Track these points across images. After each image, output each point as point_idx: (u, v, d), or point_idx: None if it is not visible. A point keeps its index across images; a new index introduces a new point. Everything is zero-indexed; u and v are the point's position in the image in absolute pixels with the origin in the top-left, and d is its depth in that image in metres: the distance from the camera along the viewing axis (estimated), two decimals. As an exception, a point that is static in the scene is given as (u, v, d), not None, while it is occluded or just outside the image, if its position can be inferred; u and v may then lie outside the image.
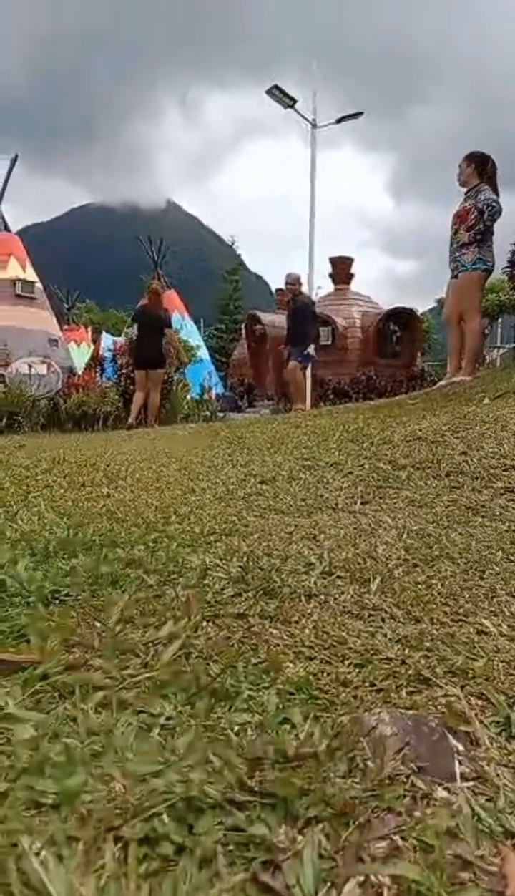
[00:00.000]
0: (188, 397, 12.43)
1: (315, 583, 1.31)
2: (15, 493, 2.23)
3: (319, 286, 23.16)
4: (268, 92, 14.04)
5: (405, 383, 17.54)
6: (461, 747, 0.74)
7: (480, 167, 5.89)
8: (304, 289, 10.05)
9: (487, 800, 0.65)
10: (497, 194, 5.86)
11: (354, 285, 21.58)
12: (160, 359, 8.58)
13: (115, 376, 11.67)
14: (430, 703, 0.84)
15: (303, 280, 9.80)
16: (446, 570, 1.42)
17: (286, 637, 1.05)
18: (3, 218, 14.29)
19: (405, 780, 0.68)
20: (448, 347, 6.69)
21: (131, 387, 9.49)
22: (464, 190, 6.00)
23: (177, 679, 0.88)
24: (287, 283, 9.27)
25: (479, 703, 0.86)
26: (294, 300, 9.28)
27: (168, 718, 0.78)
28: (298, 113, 14.63)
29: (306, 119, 14.76)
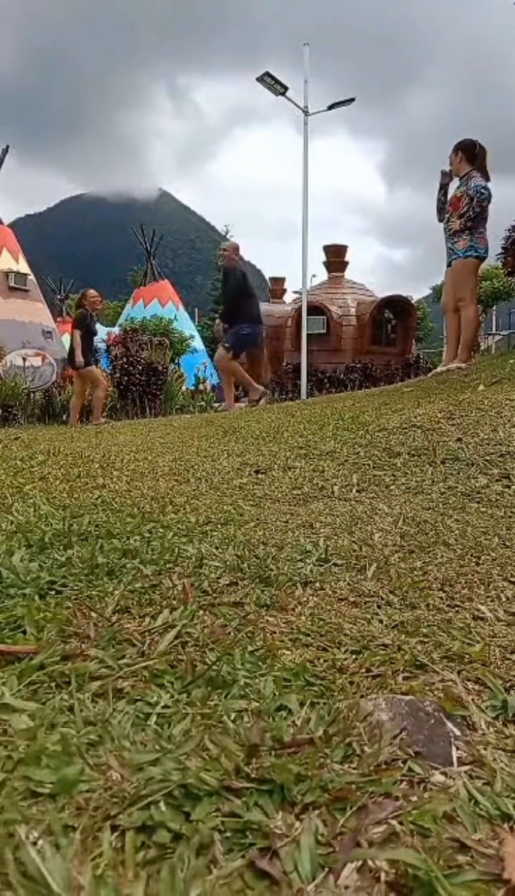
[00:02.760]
0: (183, 388, 12.41)
1: (311, 570, 1.31)
2: (10, 485, 2.23)
3: (314, 274, 23.10)
4: (260, 79, 13.93)
5: (400, 371, 17.54)
6: (457, 732, 0.75)
7: (469, 154, 5.90)
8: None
9: (484, 783, 0.66)
10: (488, 178, 5.88)
11: (348, 273, 21.52)
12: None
13: (110, 367, 11.65)
14: (427, 688, 0.84)
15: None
16: (442, 556, 1.42)
17: (282, 624, 1.05)
18: (-6, 209, 14.26)
19: (402, 765, 0.68)
20: (446, 335, 6.71)
21: (125, 378, 9.47)
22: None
23: (173, 668, 0.88)
24: (220, 250, 7.79)
25: (475, 687, 0.86)
26: (224, 270, 7.82)
27: (164, 707, 0.78)
28: (290, 100, 14.54)
29: (298, 106, 14.67)
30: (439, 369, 6.28)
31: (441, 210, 6.13)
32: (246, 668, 0.88)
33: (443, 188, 6.10)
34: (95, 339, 8.73)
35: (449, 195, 6.07)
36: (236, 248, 7.83)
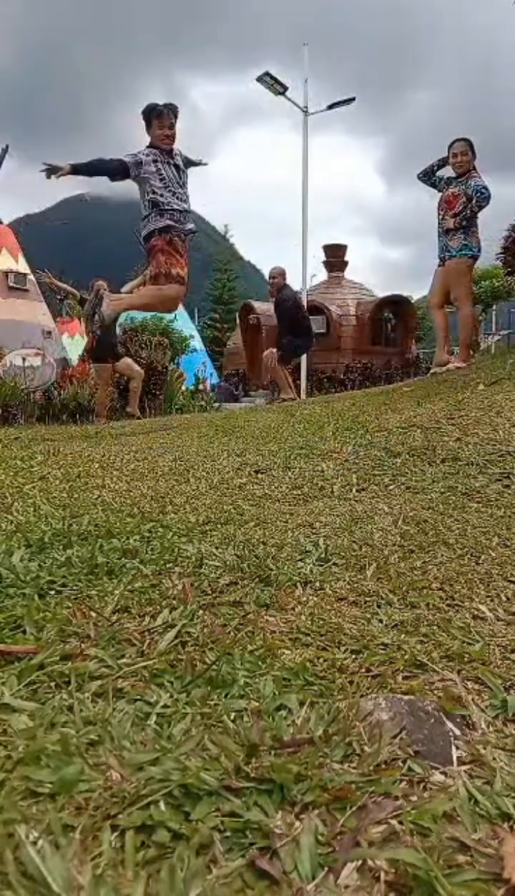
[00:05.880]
0: (183, 388, 12.40)
1: (311, 570, 1.31)
2: (10, 485, 2.23)
3: (314, 274, 23.10)
4: (260, 79, 13.91)
5: (400, 371, 17.54)
6: (457, 731, 0.75)
7: (473, 151, 5.90)
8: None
9: (484, 783, 0.66)
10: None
11: (347, 272, 21.53)
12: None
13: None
14: (427, 687, 0.84)
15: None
16: (442, 555, 1.42)
17: (282, 624, 1.05)
18: (-7, 209, 14.24)
19: (402, 764, 0.68)
20: (435, 330, 6.73)
21: (124, 378, 9.47)
22: (455, 175, 5.97)
23: (173, 667, 0.88)
24: (270, 277, 8.59)
25: (475, 687, 0.86)
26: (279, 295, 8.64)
27: (164, 706, 0.78)
28: (289, 100, 14.53)
29: (297, 106, 14.67)
30: (435, 370, 6.27)
31: (428, 173, 6.11)
32: (246, 668, 0.88)
33: (442, 164, 6.06)
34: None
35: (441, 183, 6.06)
36: (283, 273, 8.48)
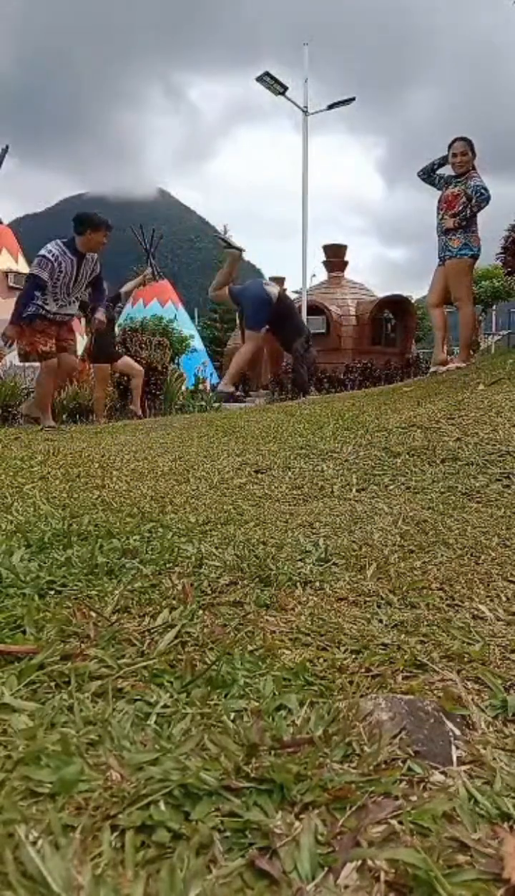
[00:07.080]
0: (183, 388, 12.40)
1: (310, 570, 1.31)
2: (10, 485, 2.23)
3: (314, 274, 23.09)
4: (259, 79, 13.92)
5: (400, 371, 17.54)
6: (457, 731, 0.75)
7: (473, 151, 5.90)
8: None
9: (484, 783, 0.66)
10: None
11: (347, 272, 21.55)
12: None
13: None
14: (427, 687, 0.84)
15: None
16: (442, 555, 1.42)
17: (282, 624, 1.05)
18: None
19: (401, 764, 0.68)
20: (434, 330, 6.74)
21: (124, 378, 9.47)
22: (454, 174, 5.98)
23: (173, 667, 0.88)
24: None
25: (475, 687, 0.86)
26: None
27: (164, 706, 0.78)
28: (289, 100, 14.54)
29: (297, 106, 14.67)
30: (435, 369, 6.28)
31: (427, 171, 6.12)
32: (245, 668, 0.88)
33: (442, 163, 6.06)
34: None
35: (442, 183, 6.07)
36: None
